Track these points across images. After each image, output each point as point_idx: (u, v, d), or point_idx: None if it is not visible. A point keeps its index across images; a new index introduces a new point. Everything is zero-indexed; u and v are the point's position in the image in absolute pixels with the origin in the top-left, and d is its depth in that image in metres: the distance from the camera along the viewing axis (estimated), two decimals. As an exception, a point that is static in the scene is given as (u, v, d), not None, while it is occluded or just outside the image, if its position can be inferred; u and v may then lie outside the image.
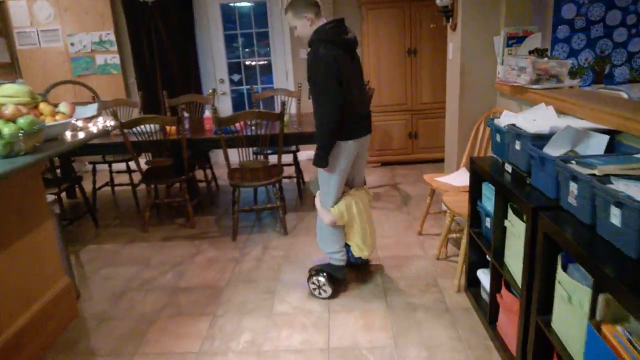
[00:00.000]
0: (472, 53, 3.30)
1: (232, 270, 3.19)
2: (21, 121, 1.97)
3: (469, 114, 3.44)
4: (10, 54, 5.52)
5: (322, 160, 2.58)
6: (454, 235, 3.17)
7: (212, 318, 2.66)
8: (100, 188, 4.75)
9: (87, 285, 3.11)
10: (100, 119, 2.55)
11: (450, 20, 3.44)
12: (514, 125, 2.16)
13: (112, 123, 2.49)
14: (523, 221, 1.94)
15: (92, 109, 2.52)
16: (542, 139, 1.94)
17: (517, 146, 2.11)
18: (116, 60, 5.54)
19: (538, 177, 1.92)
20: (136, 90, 5.49)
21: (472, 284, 2.71)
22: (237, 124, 3.57)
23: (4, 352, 2.14)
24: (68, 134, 2.33)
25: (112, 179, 4.86)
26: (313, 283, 2.80)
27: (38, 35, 5.45)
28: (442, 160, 5.42)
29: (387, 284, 2.91)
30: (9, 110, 2.01)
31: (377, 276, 3.01)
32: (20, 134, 1.91)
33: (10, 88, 2.17)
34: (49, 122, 2.22)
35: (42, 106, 2.29)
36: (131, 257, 3.50)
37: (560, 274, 1.62)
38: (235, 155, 3.57)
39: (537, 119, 2.20)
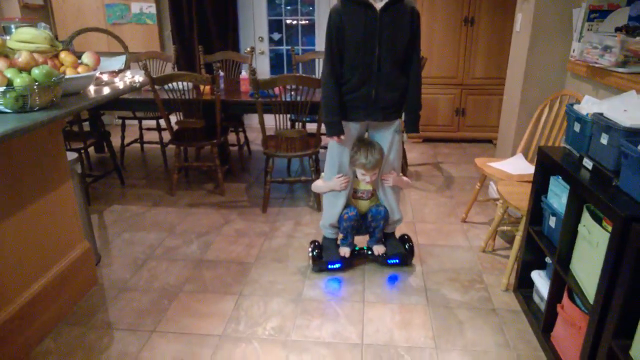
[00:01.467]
0: (544, 26, 2.92)
1: (260, 246, 3.00)
2: (36, 72, 1.73)
3: (532, 95, 3.09)
4: (43, -4, 5.31)
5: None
6: (503, 227, 2.88)
7: (237, 297, 2.48)
8: (129, 144, 4.60)
9: (108, 250, 2.97)
10: (128, 73, 2.31)
11: (523, -14, 3.05)
12: (601, 114, 1.84)
13: (141, 79, 2.24)
14: (604, 229, 1.65)
15: (119, 61, 2.27)
16: (638, 135, 1.63)
17: (604, 140, 1.79)
18: (152, 9, 5.27)
19: (630, 180, 1.61)
20: (171, 44, 5.24)
21: (523, 284, 2.45)
22: (276, 88, 3.30)
23: (13, 322, 1.98)
24: (91, 89, 2.09)
25: (141, 136, 4.70)
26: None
27: (72, -23, 5.22)
28: (489, 141, 5.08)
29: (428, 276, 2.67)
30: (22, 57, 1.76)
31: (416, 266, 2.77)
32: (35, 86, 1.67)
33: (27, 32, 1.91)
34: (69, 74, 1.97)
35: (63, 55, 2.03)
36: (156, 221, 3.34)
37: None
38: (271, 121, 3.32)
39: (628, 109, 1.87)
